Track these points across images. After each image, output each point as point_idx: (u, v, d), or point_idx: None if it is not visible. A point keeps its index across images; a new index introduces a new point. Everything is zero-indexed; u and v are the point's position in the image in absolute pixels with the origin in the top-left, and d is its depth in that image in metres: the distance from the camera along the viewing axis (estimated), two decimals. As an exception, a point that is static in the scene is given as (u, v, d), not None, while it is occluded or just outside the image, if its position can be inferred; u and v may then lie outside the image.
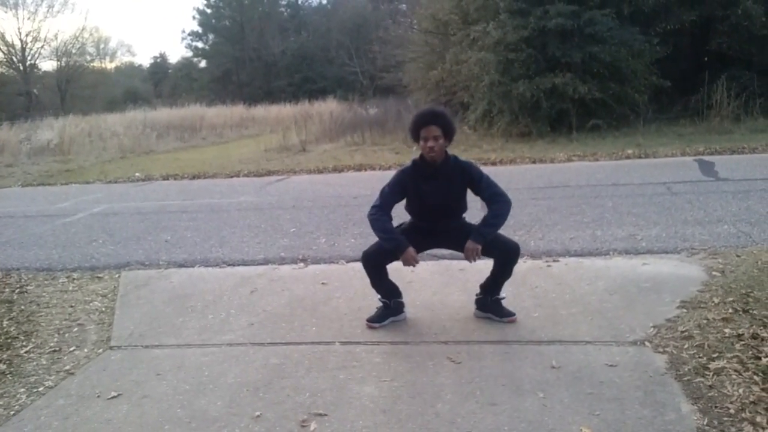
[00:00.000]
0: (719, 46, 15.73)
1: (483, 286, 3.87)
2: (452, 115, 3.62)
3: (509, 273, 3.76)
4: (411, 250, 3.56)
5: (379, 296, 3.92)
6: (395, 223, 3.76)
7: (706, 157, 9.99)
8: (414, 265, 3.63)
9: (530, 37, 14.36)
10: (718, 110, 14.07)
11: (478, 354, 3.38)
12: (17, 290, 5.18)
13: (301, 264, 5.47)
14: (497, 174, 9.64)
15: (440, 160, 3.58)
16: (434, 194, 3.58)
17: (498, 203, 3.56)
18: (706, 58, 16.78)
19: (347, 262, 5.43)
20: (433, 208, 3.65)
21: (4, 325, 4.34)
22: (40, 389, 3.34)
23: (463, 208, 3.76)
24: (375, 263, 3.77)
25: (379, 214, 3.65)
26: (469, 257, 3.55)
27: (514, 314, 3.79)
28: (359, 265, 5.22)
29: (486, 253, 3.64)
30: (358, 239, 6.18)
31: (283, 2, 56.06)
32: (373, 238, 3.80)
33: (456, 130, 3.68)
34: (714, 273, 4.34)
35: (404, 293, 3.99)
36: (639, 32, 14.65)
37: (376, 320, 3.85)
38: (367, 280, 3.85)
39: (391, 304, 3.90)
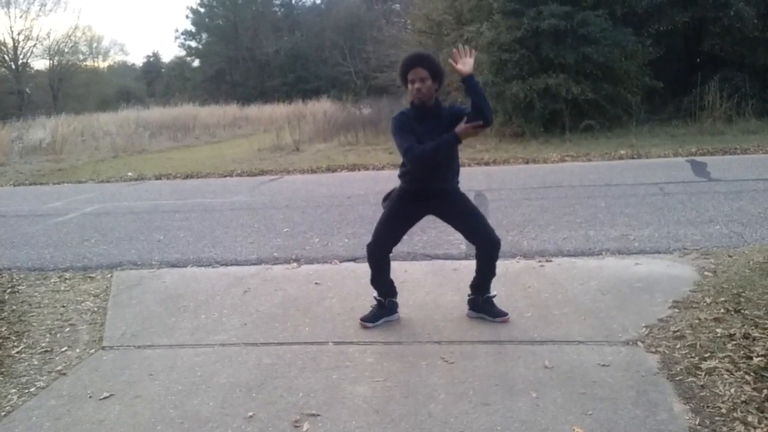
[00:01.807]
0: (712, 48, 15.82)
1: (472, 286, 3.88)
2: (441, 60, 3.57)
3: (493, 268, 3.77)
4: (460, 126, 3.43)
5: (375, 294, 3.92)
6: (386, 190, 3.73)
7: (699, 158, 10.03)
8: (474, 131, 3.44)
9: (524, 38, 14.40)
10: (710, 111, 14.15)
11: (471, 354, 3.38)
12: (9, 290, 5.14)
13: (294, 264, 5.46)
14: (490, 174, 9.76)
15: (431, 103, 3.55)
16: (429, 137, 3.49)
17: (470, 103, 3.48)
18: (698, 60, 16.86)
19: (340, 261, 5.43)
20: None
21: (-5, 325, 4.31)
22: (32, 390, 3.32)
23: (456, 164, 3.70)
24: (381, 254, 3.78)
25: (415, 146, 3.47)
26: (470, 128, 3.41)
27: (506, 314, 3.80)
28: (353, 265, 5.26)
29: (469, 239, 3.66)
30: (351, 239, 6.18)
31: (277, 2, 55.92)
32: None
33: (445, 74, 3.62)
34: (706, 273, 4.36)
35: (398, 293, 3.98)
36: (632, 33, 14.72)
37: (370, 320, 3.85)
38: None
39: (385, 303, 3.90)
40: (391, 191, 3.85)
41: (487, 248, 3.71)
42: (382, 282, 3.89)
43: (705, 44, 16.00)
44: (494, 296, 3.86)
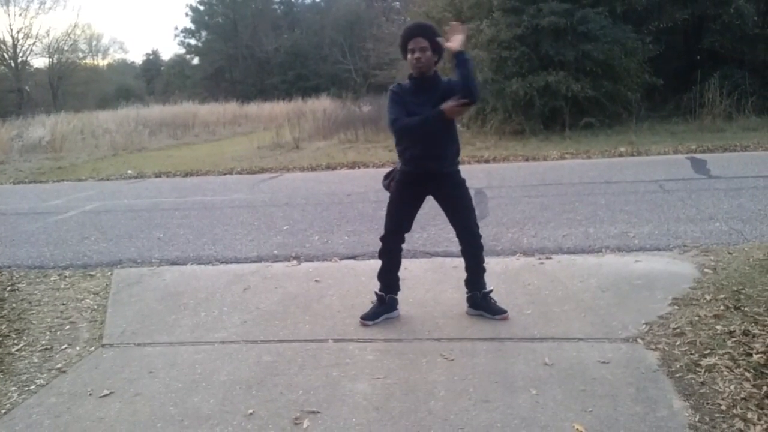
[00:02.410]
0: (712, 45, 15.79)
1: (466, 282, 3.89)
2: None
3: (479, 264, 3.81)
4: (446, 104, 3.42)
5: (376, 289, 3.92)
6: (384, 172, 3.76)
7: (699, 155, 10.02)
8: (460, 109, 3.47)
9: (523, 35, 14.38)
10: (710, 108, 14.13)
11: (471, 351, 3.38)
12: (8, 288, 5.14)
13: (294, 261, 5.46)
14: (490, 171, 9.76)
15: (430, 74, 3.54)
16: (425, 109, 3.47)
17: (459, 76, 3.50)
18: (698, 57, 16.85)
19: (340, 259, 5.42)
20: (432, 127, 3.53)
21: (-4, 323, 4.32)
22: (32, 387, 3.32)
23: (455, 145, 3.67)
24: (394, 245, 3.83)
25: (402, 118, 3.50)
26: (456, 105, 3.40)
27: (505, 312, 3.80)
28: (352, 263, 5.26)
29: (454, 228, 3.74)
30: (351, 237, 6.18)
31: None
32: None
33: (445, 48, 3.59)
34: (706, 270, 4.36)
35: (399, 290, 3.99)
36: (632, 30, 14.71)
37: (371, 318, 3.85)
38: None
39: (386, 300, 3.90)
40: (392, 171, 3.85)
41: (467, 247, 3.78)
42: (390, 277, 3.91)
43: (705, 41, 15.98)
44: (491, 291, 3.86)
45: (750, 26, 14.84)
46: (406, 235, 3.88)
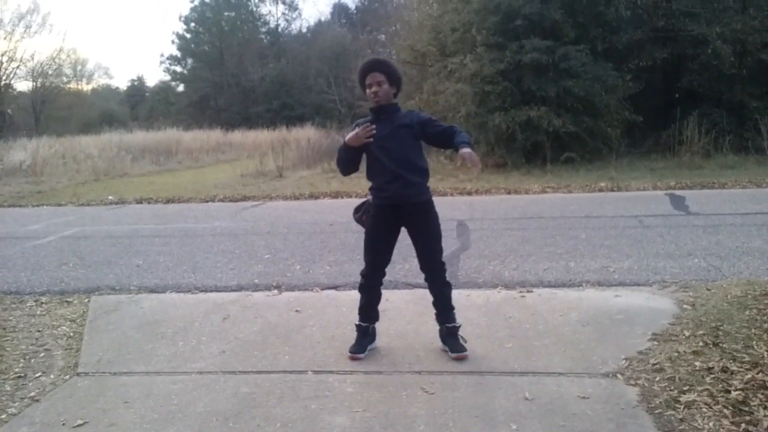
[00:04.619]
0: (690, 84, 16.19)
1: (435, 317, 3.86)
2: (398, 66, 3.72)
3: (445, 297, 3.77)
4: (357, 130, 3.55)
5: (357, 321, 3.88)
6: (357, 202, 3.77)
7: (678, 192, 10.18)
8: (369, 135, 3.53)
9: (506, 71, 14.63)
10: (689, 146, 14.42)
11: (451, 385, 3.36)
12: (-18, 314, 5.05)
13: (275, 291, 5.42)
14: (473, 204, 9.81)
15: (388, 105, 3.65)
16: (389, 138, 3.56)
17: (457, 129, 3.61)
18: (677, 95, 17.23)
19: (322, 289, 5.40)
20: (391, 157, 3.58)
21: (-33, 350, 4.22)
22: (3, 417, 3.24)
23: (422, 162, 3.70)
24: (374, 282, 3.82)
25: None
26: (471, 159, 3.40)
27: (464, 350, 3.70)
28: (334, 293, 5.24)
29: (419, 260, 3.75)
30: (333, 266, 6.16)
31: (263, 29, 56.36)
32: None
33: (402, 79, 3.75)
34: (685, 306, 4.39)
35: (378, 322, 3.97)
36: (612, 68, 15.03)
37: (360, 350, 3.80)
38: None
39: (369, 330, 3.88)
40: (363, 203, 3.87)
41: (431, 281, 3.78)
42: (372, 310, 3.89)
43: (684, 80, 16.37)
44: (458, 327, 3.80)
45: (727, 66, 15.25)
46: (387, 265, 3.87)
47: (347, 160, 3.71)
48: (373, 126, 3.54)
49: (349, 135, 3.58)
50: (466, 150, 3.42)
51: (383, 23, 37.44)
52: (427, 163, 3.77)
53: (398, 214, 3.70)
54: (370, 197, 3.81)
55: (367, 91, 3.63)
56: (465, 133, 3.61)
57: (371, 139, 3.54)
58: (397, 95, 3.71)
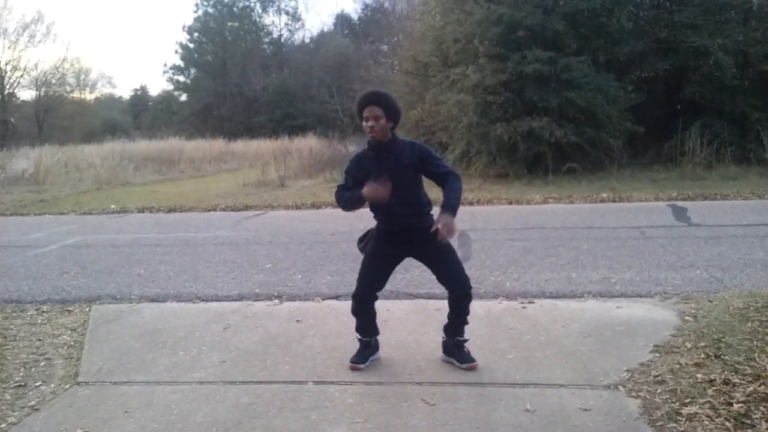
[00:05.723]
0: (692, 95, 16.20)
1: (444, 328, 3.85)
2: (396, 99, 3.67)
3: (464, 314, 3.74)
4: (369, 183, 3.50)
5: (359, 336, 3.87)
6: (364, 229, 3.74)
7: (679, 203, 10.17)
8: (385, 192, 3.48)
9: (508, 81, 14.66)
10: (690, 157, 14.42)
11: (452, 396, 3.35)
12: (-17, 322, 5.05)
13: (276, 301, 5.42)
14: (475, 214, 9.81)
15: (386, 140, 3.59)
16: (391, 177, 3.53)
17: (452, 180, 3.56)
18: (679, 106, 17.24)
19: (323, 299, 5.39)
20: (394, 195, 3.54)
21: (-32, 359, 4.22)
22: (3, 426, 3.23)
23: (423, 195, 3.69)
24: (367, 303, 3.78)
25: (340, 189, 3.71)
26: (447, 231, 3.40)
27: (474, 361, 3.71)
28: (335, 303, 5.23)
29: (441, 281, 3.70)
30: (334, 276, 6.15)
31: (266, 39, 56.63)
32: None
33: (401, 113, 3.70)
34: (686, 318, 4.38)
35: (380, 332, 3.96)
36: (614, 79, 15.06)
37: (361, 361, 3.79)
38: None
39: (371, 342, 3.87)
40: (367, 232, 3.85)
41: (455, 296, 3.71)
42: (370, 327, 3.87)
43: (685, 91, 16.39)
44: (466, 341, 3.81)
45: (729, 78, 15.28)
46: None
47: (355, 206, 3.64)
48: (390, 183, 3.47)
49: (367, 189, 3.49)
50: (442, 221, 3.41)
51: (386, 34, 37.56)
52: (427, 196, 3.75)
53: (406, 238, 3.68)
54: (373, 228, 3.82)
55: (364, 123, 3.58)
56: (457, 185, 3.55)
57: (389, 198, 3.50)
58: (395, 128, 3.64)
